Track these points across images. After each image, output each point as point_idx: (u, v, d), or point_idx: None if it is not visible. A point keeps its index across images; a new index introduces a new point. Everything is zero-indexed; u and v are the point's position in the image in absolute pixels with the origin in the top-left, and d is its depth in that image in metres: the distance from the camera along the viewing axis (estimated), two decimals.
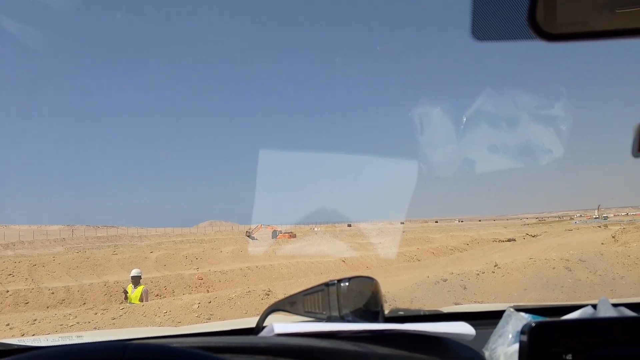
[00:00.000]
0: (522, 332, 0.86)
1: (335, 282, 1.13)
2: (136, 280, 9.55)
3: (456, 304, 8.11)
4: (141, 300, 9.42)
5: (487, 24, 0.83)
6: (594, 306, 1.05)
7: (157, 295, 19.29)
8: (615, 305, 1.03)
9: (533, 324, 0.85)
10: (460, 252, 34.29)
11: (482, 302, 9.68)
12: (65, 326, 8.17)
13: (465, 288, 11.02)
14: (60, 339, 1.31)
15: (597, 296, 1.13)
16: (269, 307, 1.21)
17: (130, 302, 9.46)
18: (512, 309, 1.07)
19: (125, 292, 9.72)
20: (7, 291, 18.52)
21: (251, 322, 1.26)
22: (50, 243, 47.95)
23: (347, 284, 1.13)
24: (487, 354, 1.03)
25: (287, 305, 1.17)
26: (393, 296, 10.04)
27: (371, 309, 1.16)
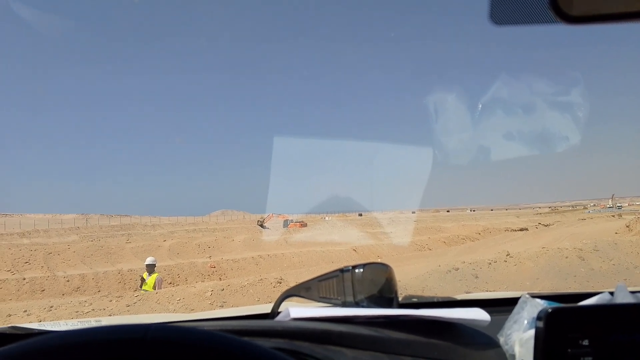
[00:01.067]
0: (539, 318, 0.86)
1: (350, 268, 1.14)
2: (151, 269, 9.67)
3: (468, 292, 8.11)
4: (154, 288, 9.53)
5: (505, 7, 0.82)
6: (611, 293, 1.05)
7: (171, 283, 19.48)
8: (632, 292, 1.02)
9: (550, 310, 0.84)
10: (472, 241, 34.15)
11: (494, 290, 9.65)
12: (81, 313, 8.30)
13: (477, 277, 10.99)
14: (79, 323, 1.33)
15: (611, 285, 1.13)
16: (284, 293, 1.21)
17: (144, 290, 9.58)
18: (527, 295, 1.07)
19: (142, 278, 9.84)
20: (24, 279, 18.83)
21: (266, 309, 1.27)
22: (65, 232, 48.61)
23: (361, 270, 1.13)
24: (502, 339, 1.03)
25: (302, 290, 1.18)
26: (405, 285, 10.05)
27: (385, 295, 1.17)
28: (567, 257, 12.02)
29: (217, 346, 0.53)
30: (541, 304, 1.01)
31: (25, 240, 34.88)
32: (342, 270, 1.14)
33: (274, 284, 10.54)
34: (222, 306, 8.89)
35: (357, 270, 1.13)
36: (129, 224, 65.00)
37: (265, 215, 54.18)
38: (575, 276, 10.70)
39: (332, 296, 1.14)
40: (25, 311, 8.98)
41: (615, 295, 1.03)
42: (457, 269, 11.46)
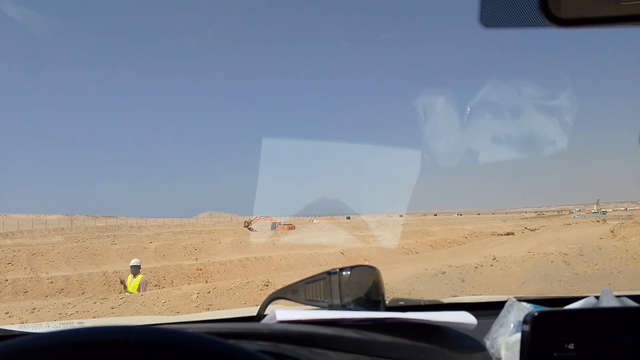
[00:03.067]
0: (525, 321, 0.86)
1: (337, 270, 1.13)
2: (135, 270, 9.50)
3: (454, 296, 8.14)
4: (139, 290, 9.37)
5: (495, 10, 0.82)
6: (597, 297, 1.05)
7: (156, 285, 19.35)
8: (618, 296, 1.03)
9: (536, 313, 0.84)
10: (459, 245, 34.42)
11: (480, 294, 9.71)
12: (65, 315, 8.19)
13: (463, 281, 11.05)
14: (61, 325, 1.31)
15: (596, 290, 1.13)
16: (270, 295, 1.20)
17: (128, 292, 9.42)
18: (514, 299, 1.07)
19: (123, 282, 9.70)
20: (6, 280, 18.59)
21: (252, 311, 1.26)
22: (49, 232, 47.98)
23: (348, 272, 1.13)
24: (488, 343, 1.03)
25: (289, 293, 1.17)
26: (392, 288, 10.06)
27: (372, 298, 1.16)
28: (552, 262, 12.14)
29: (200, 348, 0.53)
30: (527, 307, 1.02)
31: (8, 241, 34.41)
32: (329, 273, 1.13)
33: (260, 287, 10.49)
34: (208, 309, 8.83)
35: (344, 273, 1.13)
36: (115, 225, 64.40)
37: (252, 218, 53.99)
38: (560, 280, 10.81)
39: (319, 299, 1.13)
40: (7, 313, 8.85)
41: (600, 299, 1.03)
42: (444, 273, 11.52)
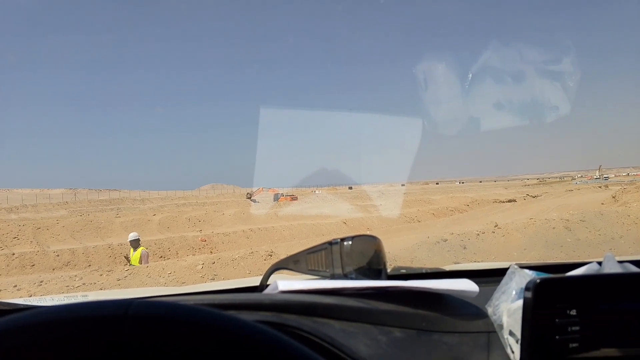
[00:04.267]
0: (527, 288, 0.86)
1: (339, 240, 1.13)
2: (135, 244, 9.56)
3: (456, 263, 8.20)
4: (141, 262, 9.47)
5: None
6: (599, 263, 1.05)
7: (161, 257, 19.55)
8: (620, 262, 1.02)
9: (538, 280, 0.84)
10: (461, 213, 34.55)
11: (482, 261, 9.80)
12: (72, 287, 8.32)
13: (465, 248, 11.15)
14: (65, 298, 1.32)
15: (598, 255, 1.13)
16: (272, 266, 1.21)
17: (131, 265, 9.54)
18: (516, 266, 1.07)
19: (127, 257, 9.80)
20: (13, 254, 18.79)
21: (255, 281, 1.27)
22: (53, 206, 48.25)
23: (350, 242, 1.13)
24: (490, 310, 1.03)
25: (291, 263, 1.18)
26: (394, 256, 10.16)
27: (374, 267, 1.17)
28: (554, 228, 12.20)
29: (200, 321, 0.52)
30: (529, 274, 1.01)
31: (13, 216, 34.62)
32: (330, 243, 1.13)
33: (264, 257, 10.61)
34: (213, 279, 8.94)
35: (345, 243, 1.12)
36: (118, 198, 64.63)
37: (254, 189, 54.10)
38: (562, 246, 10.88)
39: (320, 269, 1.13)
40: (15, 286, 8.98)
41: (603, 265, 1.03)
42: (445, 241, 11.60)
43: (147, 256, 9.82)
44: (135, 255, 9.52)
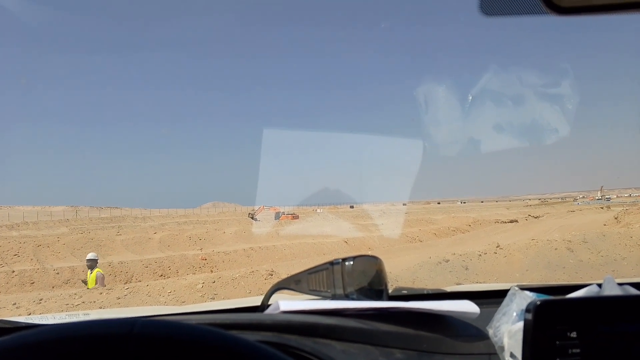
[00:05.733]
0: (527, 310, 0.86)
1: (340, 260, 1.14)
2: (92, 264, 9.33)
3: (458, 284, 8.16)
4: (97, 283, 9.16)
5: None
6: (599, 285, 1.06)
7: (161, 275, 19.44)
8: (620, 284, 1.03)
9: (538, 302, 0.85)
10: (462, 233, 34.38)
11: (484, 282, 9.73)
12: (71, 305, 8.25)
13: (467, 269, 11.07)
14: (67, 316, 1.32)
15: (599, 277, 1.13)
16: (273, 286, 1.21)
17: (88, 288, 9.18)
18: (516, 288, 1.07)
19: (85, 281, 9.57)
20: (13, 271, 18.71)
21: (256, 301, 1.27)
22: (54, 224, 48.21)
23: (351, 262, 1.13)
24: (491, 331, 1.03)
25: (292, 283, 1.18)
26: (395, 276, 10.09)
27: (375, 288, 1.17)
28: (556, 249, 12.13)
29: (204, 340, 0.53)
30: (530, 296, 1.02)
31: (14, 233, 34.55)
32: (332, 263, 1.13)
33: (265, 276, 10.54)
34: (213, 298, 8.88)
35: (347, 263, 1.13)
36: (119, 216, 64.61)
37: (256, 208, 54.06)
38: (564, 267, 10.81)
39: (322, 289, 1.13)
40: (14, 304, 8.91)
41: (603, 287, 1.03)
42: (447, 261, 11.53)
43: (103, 279, 9.54)
44: (91, 277, 9.27)
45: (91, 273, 9.32)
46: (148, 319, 0.56)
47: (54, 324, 0.55)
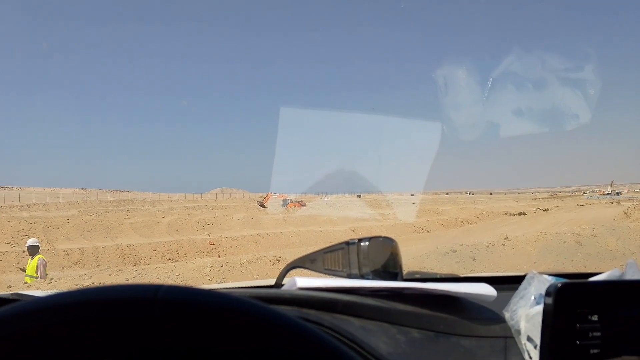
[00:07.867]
0: (547, 293, 0.85)
1: (356, 240, 1.13)
2: (33, 250, 8.72)
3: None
4: (37, 272, 8.53)
5: None
6: (621, 270, 1.04)
7: (169, 259, 19.63)
8: None
9: (559, 285, 0.84)
10: (470, 224, 34.36)
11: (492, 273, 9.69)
12: (81, 285, 8.35)
13: (474, 259, 11.05)
14: None
15: (608, 270, 1.12)
16: (288, 264, 1.21)
17: (28, 276, 8.69)
18: (534, 272, 1.06)
19: (23, 269, 9.13)
20: (24, 251, 18.93)
21: (269, 282, 1.27)
22: (64, 206, 48.67)
23: (367, 243, 1.13)
24: (507, 315, 1.02)
25: (307, 262, 1.18)
26: (403, 265, 10.08)
27: (390, 270, 1.16)
28: (565, 242, 12.08)
29: (229, 308, 0.52)
30: (549, 279, 1.01)
31: (24, 213, 34.95)
32: (347, 243, 1.13)
33: (272, 262, 10.59)
34: (221, 282, 8.94)
35: (362, 244, 1.13)
36: (128, 200, 65.09)
37: (264, 195, 54.26)
38: (572, 260, 10.76)
39: (337, 268, 1.13)
40: (25, 283, 9.04)
41: (625, 271, 1.02)
42: (455, 251, 11.52)
43: (45, 266, 8.79)
44: (31, 264, 8.62)
45: (32, 260, 8.68)
46: (172, 285, 0.56)
47: (77, 289, 0.55)
